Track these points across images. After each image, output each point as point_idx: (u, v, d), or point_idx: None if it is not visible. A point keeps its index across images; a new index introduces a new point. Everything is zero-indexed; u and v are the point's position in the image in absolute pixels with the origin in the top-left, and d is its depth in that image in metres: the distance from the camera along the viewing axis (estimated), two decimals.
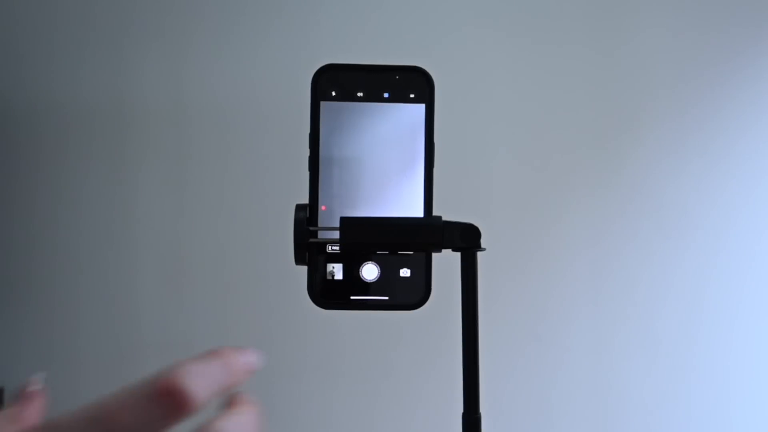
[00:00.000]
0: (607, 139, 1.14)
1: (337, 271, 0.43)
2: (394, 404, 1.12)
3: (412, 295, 0.41)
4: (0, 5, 1.11)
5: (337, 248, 0.43)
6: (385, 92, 0.43)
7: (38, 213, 1.12)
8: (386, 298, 0.43)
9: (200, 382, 0.22)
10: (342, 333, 1.12)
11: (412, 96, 0.43)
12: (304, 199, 0.43)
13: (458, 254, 0.43)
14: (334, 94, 0.43)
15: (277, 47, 1.11)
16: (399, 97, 0.43)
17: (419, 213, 0.43)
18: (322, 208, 0.43)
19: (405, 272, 0.43)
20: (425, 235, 0.42)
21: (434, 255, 0.43)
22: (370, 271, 0.43)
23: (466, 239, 0.43)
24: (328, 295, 0.43)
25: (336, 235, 0.42)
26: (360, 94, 0.43)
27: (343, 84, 0.43)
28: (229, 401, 0.24)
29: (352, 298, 0.43)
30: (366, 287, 0.43)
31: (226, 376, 0.23)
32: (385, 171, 0.43)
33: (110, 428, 0.21)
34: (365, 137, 0.43)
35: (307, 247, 0.42)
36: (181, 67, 1.12)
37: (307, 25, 1.12)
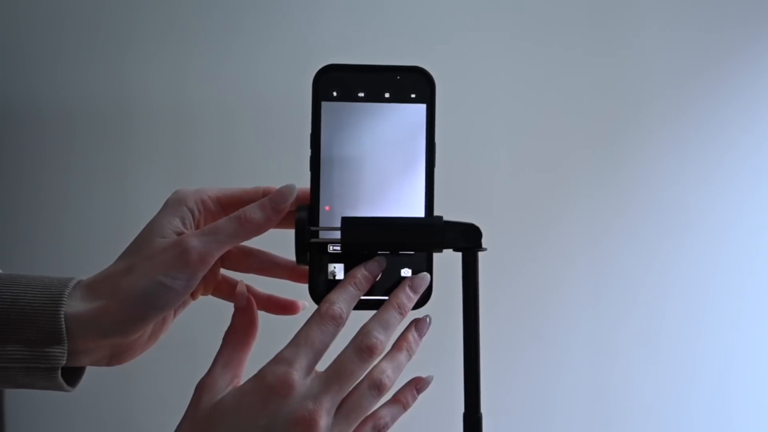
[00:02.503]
0: (608, 139, 1.14)
1: (338, 271, 0.43)
2: None
3: None
4: (3, 4, 1.11)
5: (339, 248, 0.43)
6: (386, 92, 0.43)
7: (42, 213, 1.12)
8: (388, 297, 0.43)
9: (344, 306, 0.40)
10: (342, 333, 1.12)
11: (413, 96, 0.43)
12: (306, 200, 0.43)
13: (459, 254, 0.44)
14: (335, 94, 0.43)
15: (280, 48, 1.12)
16: (400, 97, 0.43)
17: (420, 213, 0.43)
18: (326, 208, 0.43)
19: (406, 272, 0.43)
20: (426, 234, 0.42)
21: (435, 255, 0.43)
22: None
23: (467, 239, 0.43)
24: None
25: (337, 235, 0.42)
26: (361, 95, 0.43)
27: (344, 84, 0.43)
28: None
29: None
30: None
31: (355, 299, 0.41)
32: (387, 171, 0.43)
33: (310, 342, 0.39)
34: (366, 137, 0.43)
35: (309, 247, 0.42)
36: (184, 68, 1.12)
37: (310, 26, 1.12)
